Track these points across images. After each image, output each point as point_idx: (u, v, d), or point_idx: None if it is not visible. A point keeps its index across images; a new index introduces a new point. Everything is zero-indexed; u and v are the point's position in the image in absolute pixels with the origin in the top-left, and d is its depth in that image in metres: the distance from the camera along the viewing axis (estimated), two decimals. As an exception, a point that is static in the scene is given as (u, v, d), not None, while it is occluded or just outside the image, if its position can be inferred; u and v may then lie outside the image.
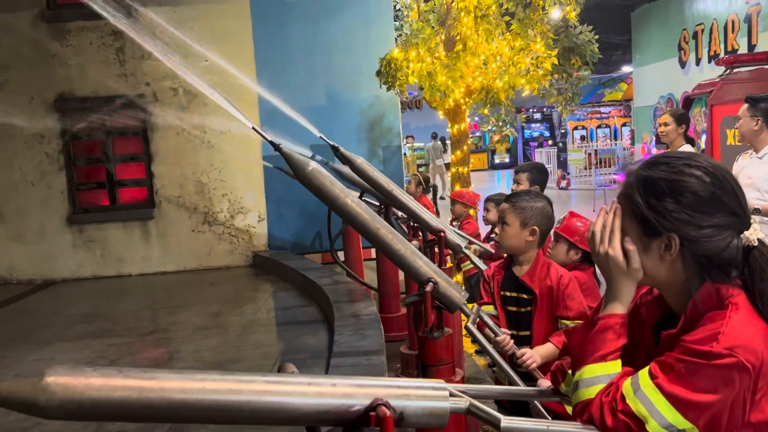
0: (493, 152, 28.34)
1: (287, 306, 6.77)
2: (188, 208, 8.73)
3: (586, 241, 3.23)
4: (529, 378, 2.59)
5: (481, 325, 2.69)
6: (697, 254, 1.28)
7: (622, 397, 1.24)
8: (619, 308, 1.33)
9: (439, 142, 20.04)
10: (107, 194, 8.86)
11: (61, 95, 8.49)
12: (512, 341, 2.63)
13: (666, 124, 5.35)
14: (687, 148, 5.28)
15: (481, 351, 5.87)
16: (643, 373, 1.25)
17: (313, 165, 2.61)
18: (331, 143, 3.53)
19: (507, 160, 28.06)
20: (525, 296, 2.84)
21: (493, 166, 28.06)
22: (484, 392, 1.55)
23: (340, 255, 7.43)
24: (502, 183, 21.66)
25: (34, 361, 5.31)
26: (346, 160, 3.78)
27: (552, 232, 3.29)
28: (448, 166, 10.18)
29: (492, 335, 2.66)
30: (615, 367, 1.30)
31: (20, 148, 8.52)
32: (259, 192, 8.74)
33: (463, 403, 1.34)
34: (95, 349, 5.52)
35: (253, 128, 2.46)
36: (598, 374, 1.30)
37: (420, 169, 21.45)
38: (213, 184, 8.69)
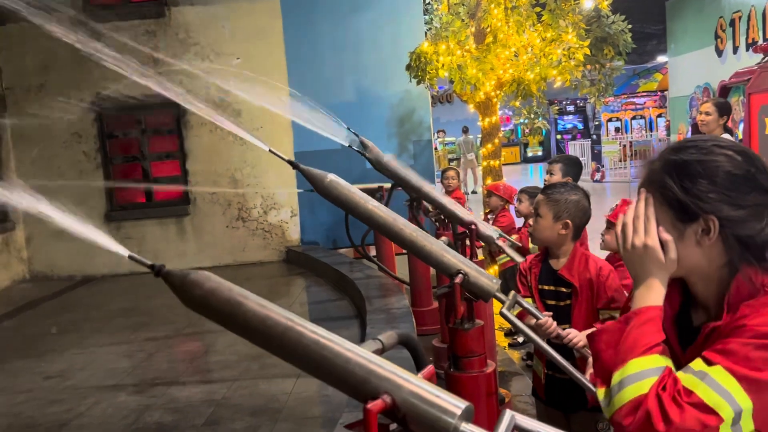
0: (526, 145, 28.09)
1: (320, 300, 6.82)
2: (222, 205, 8.85)
3: None
4: (575, 365, 2.57)
5: (521, 314, 2.69)
6: (739, 235, 1.23)
7: (686, 390, 1.15)
8: (657, 300, 1.25)
9: (471, 136, 19.95)
10: (143, 191, 9.03)
11: (97, 95, 8.66)
12: (555, 323, 2.61)
13: (707, 113, 5.26)
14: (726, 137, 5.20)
15: (514, 345, 5.86)
16: (698, 363, 1.18)
17: (330, 177, 2.65)
18: (359, 143, 3.58)
19: (540, 153, 27.80)
20: (564, 290, 2.81)
21: (526, 160, 27.82)
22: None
23: (372, 250, 7.46)
24: (535, 176, 21.47)
25: (76, 354, 5.45)
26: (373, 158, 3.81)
27: (605, 220, 3.28)
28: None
29: (533, 320, 2.65)
30: (663, 360, 1.20)
31: (59, 147, 8.72)
32: (291, 188, 8.81)
33: None
34: (134, 343, 5.64)
35: (270, 150, 2.48)
36: (648, 367, 1.18)
37: (451, 163, 21.41)
38: (246, 180, 8.80)
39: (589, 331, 2.66)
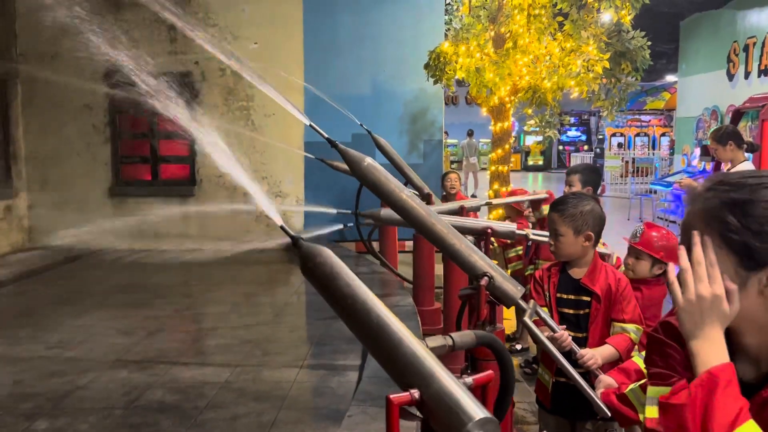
0: (527, 153, 28.16)
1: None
2: (228, 188, 8.82)
3: (671, 256, 3.11)
4: (584, 378, 2.57)
5: (537, 322, 2.68)
6: None
7: None
8: (725, 356, 1.11)
9: (474, 140, 19.94)
10: (150, 169, 8.99)
11: (110, 69, 8.61)
12: (570, 337, 2.62)
13: (715, 150, 5.32)
14: (747, 165, 5.21)
15: (513, 351, 5.85)
16: None
17: (368, 160, 2.62)
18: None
19: (541, 162, 27.87)
20: (585, 298, 2.81)
21: (526, 168, 27.88)
22: None
23: (375, 246, 7.44)
24: (535, 185, 21.54)
25: (76, 326, 5.42)
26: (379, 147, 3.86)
27: (628, 247, 3.19)
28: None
29: (549, 332, 2.64)
30: (755, 426, 1.07)
31: (68, 118, 8.67)
32: (298, 177, 8.79)
33: None
34: (134, 320, 5.62)
35: (311, 125, 2.46)
36: None
37: (453, 166, 21.41)
38: (254, 165, 8.76)
39: (603, 350, 2.66)
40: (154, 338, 5.20)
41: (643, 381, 1.86)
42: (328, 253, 1.54)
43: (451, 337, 1.71)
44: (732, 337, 1.17)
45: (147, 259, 8.26)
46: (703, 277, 1.12)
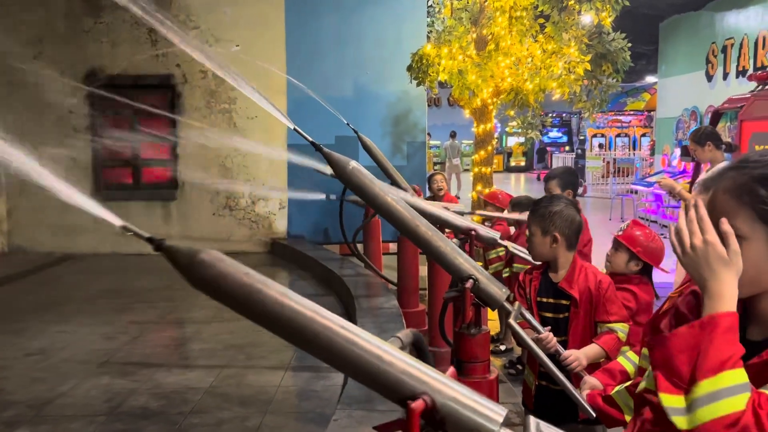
0: (509, 155, 28.33)
1: (305, 295, 6.72)
2: (210, 192, 8.77)
3: (648, 254, 3.17)
4: (569, 379, 2.58)
5: (522, 324, 2.68)
6: None
7: None
8: (730, 305, 1.14)
9: (457, 141, 20.00)
10: (131, 173, 8.91)
11: (91, 71, 8.53)
12: (555, 339, 2.63)
13: (695, 150, 5.41)
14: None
15: (496, 352, 5.88)
16: None
17: (353, 164, 2.61)
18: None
19: (523, 163, 28.05)
20: (564, 302, 2.82)
21: (509, 169, 28.05)
22: None
23: (360, 248, 7.43)
24: (518, 186, 21.65)
25: (57, 332, 5.36)
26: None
27: (612, 239, 3.23)
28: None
29: (534, 333, 2.65)
30: (745, 375, 1.11)
31: (48, 121, 8.56)
32: (281, 179, 8.76)
33: None
34: (117, 326, 5.56)
35: (295, 129, 2.45)
36: (742, 382, 1.10)
37: (436, 167, 21.45)
38: (237, 169, 8.73)
39: (588, 350, 2.67)
40: (137, 344, 5.15)
41: (628, 383, 1.87)
42: (217, 254, 1.23)
43: (398, 337, 1.68)
44: (752, 305, 1.24)
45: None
46: (695, 230, 1.18)
